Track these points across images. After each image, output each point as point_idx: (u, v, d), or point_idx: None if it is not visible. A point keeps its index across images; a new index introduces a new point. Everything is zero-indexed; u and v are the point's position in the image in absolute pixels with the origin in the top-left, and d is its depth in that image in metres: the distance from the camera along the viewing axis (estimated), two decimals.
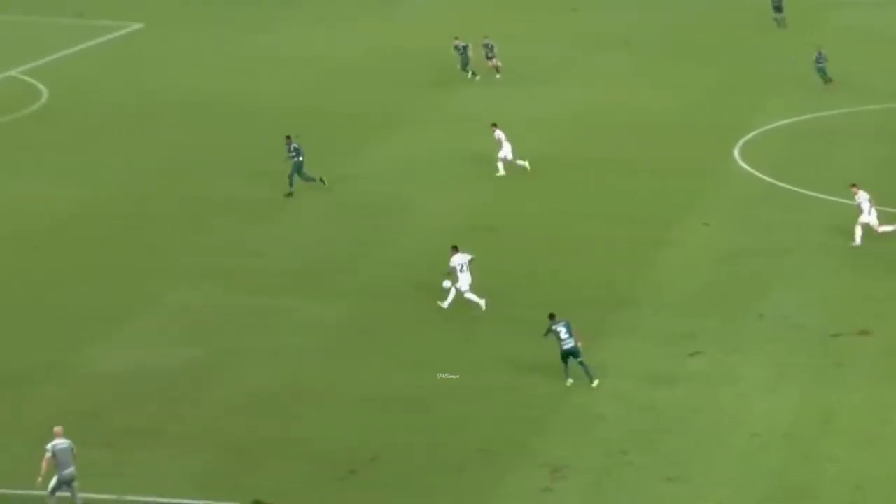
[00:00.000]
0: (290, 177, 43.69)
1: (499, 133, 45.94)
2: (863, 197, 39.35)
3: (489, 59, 57.87)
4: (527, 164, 45.65)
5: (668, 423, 29.69)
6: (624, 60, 60.97)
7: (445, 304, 35.37)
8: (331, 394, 31.23)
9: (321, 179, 43.89)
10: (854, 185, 39.95)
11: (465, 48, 57.67)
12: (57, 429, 26.49)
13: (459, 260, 35.57)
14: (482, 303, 35.32)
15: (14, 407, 30.45)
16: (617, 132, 50.45)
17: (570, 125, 51.49)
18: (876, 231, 39.25)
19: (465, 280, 35.43)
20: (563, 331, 31.35)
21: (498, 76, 57.52)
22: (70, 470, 26.20)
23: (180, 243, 39.96)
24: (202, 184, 44.74)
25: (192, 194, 44.07)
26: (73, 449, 26.30)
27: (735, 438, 29.05)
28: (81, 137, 50.31)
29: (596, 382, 31.20)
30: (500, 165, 45.48)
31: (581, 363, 31.28)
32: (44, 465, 26.09)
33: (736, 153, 47.63)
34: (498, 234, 40.67)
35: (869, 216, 39.18)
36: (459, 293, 35.41)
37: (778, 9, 66.58)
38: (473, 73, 57.49)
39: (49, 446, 26.17)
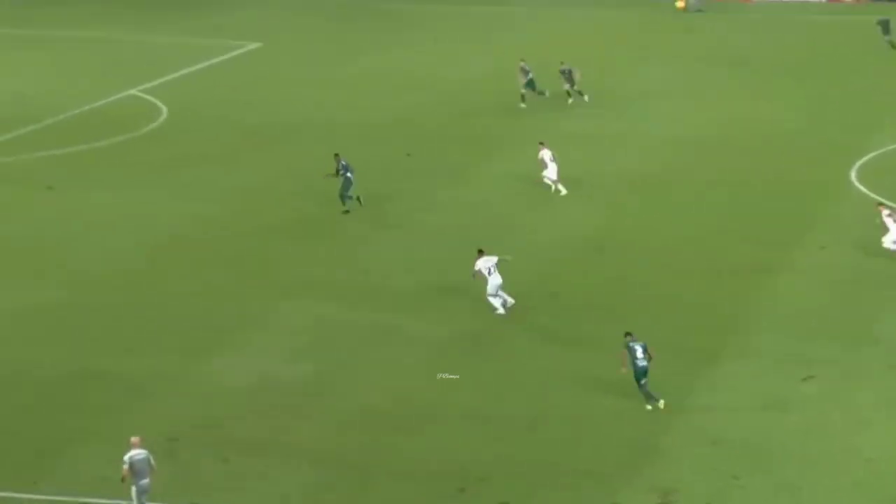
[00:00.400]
0: (342, 196, 43.84)
1: (544, 152, 45.78)
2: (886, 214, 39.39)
3: (569, 84, 56.43)
4: (563, 190, 45.31)
5: (781, 447, 29.21)
6: (738, 80, 60.46)
7: (508, 303, 35.66)
8: (442, 411, 31.17)
9: (358, 199, 44.00)
10: (880, 204, 40.04)
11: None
12: (134, 439, 26.64)
13: (485, 263, 35.63)
14: (501, 309, 35.42)
15: (135, 417, 30.77)
16: (731, 152, 49.98)
17: (683, 144, 51.10)
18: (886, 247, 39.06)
19: (493, 282, 35.47)
20: (639, 350, 31.15)
21: (570, 101, 56.21)
22: (145, 481, 26.37)
23: (295, 259, 40.21)
24: (316, 200, 45.00)
25: (305, 210, 44.37)
26: (150, 460, 26.42)
27: (849, 464, 28.51)
28: (199, 154, 50.91)
29: (661, 404, 30.68)
30: (549, 183, 45.42)
31: (644, 385, 30.89)
32: (123, 474, 26.27)
33: (852, 175, 46.91)
34: (607, 254, 40.41)
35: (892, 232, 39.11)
36: (494, 295, 35.44)
37: (885, 31, 65.59)
38: (541, 92, 56.50)
39: (126, 457, 26.38)
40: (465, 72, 63.62)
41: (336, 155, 44.51)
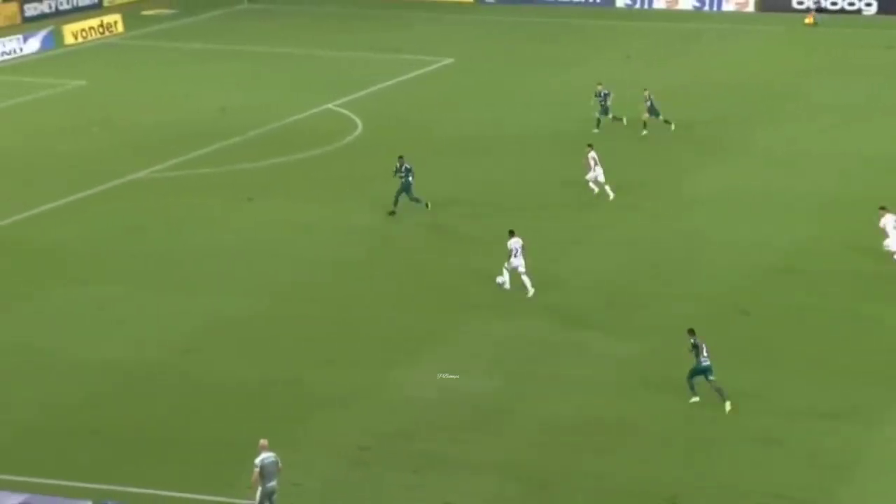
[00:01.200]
0: (397, 196, 44.78)
1: (593, 154, 46.08)
2: (889, 220, 39.39)
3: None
4: (611, 193, 45.93)
5: None
6: None
7: (507, 286, 38.10)
8: (630, 429, 30.84)
9: (426, 204, 44.73)
10: (882, 208, 39.96)
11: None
12: (263, 442, 26.85)
13: (514, 244, 38.15)
14: (505, 281, 38.09)
15: (326, 428, 31.10)
16: None
17: (877, 162, 49.92)
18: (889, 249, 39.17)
19: (514, 262, 37.97)
20: (704, 348, 31.45)
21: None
22: (272, 484, 26.54)
23: (483, 273, 40.27)
24: (508, 214, 45.04)
25: (498, 224, 44.43)
26: (278, 463, 26.59)
27: None
28: (394, 167, 51.33)
29: (728, 405, 30.97)
30: (592, 186, 46.12)
31: (713, 382, 31.21)
32: (254, 479, 26.47)
33: None
34: (801, 275, 39.59)
35: (892, 237, 39.33)
36: (514, 271, 37.84)
37: None
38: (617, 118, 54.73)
39: (257, 461, 26.54)
40: (659, 85, 63.08)
41: (400, 157, 45.24)
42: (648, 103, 54.26)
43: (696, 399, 31.66)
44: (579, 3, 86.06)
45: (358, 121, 58.12)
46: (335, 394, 32.76)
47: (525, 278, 38.32)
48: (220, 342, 35.83)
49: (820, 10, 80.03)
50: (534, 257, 41.36)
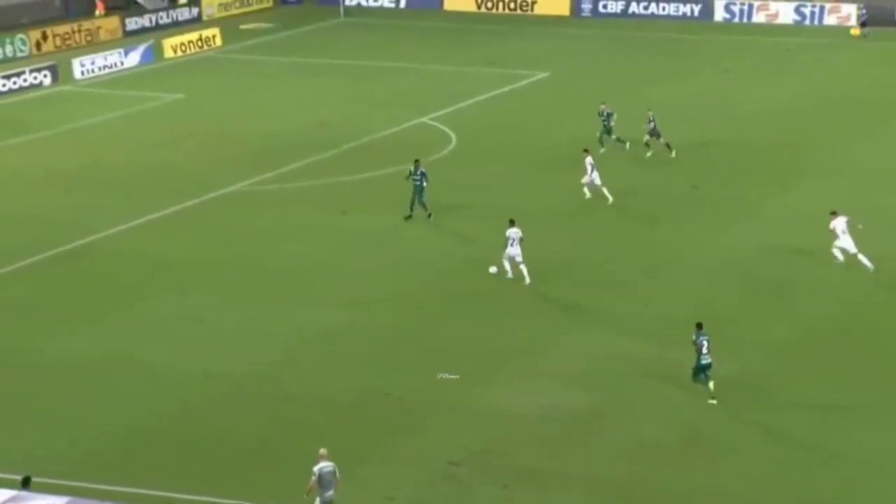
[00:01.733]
0: (412, 202, 45.91)
1: (589, 159, 47.30)
2: (839, 223, 40.33)
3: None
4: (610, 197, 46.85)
5: None
6: None
7: (510, 275, 39.85)
8: (726, 449, 30.61)
9: (429, 215, 45.92)
10: (833, 212, 40.79)
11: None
12: (322, 451, 27.02)
13: (513, 233, 39.91)
14: (495, 270, 39.91)
15: (416, 442, 31.17)
16: None
17: None
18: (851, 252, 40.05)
19: (511, 251, 39.76)
20: (705, 345, 32.16)
21: (602, 150, 53.19)
22: (330, 493, 26.70)
23: (575, 287, 40.16)
24: (601, 225, 44.90)
25: (589, 238, 44.38)
26: (335, 473, 26.74)
27: None
28: (483, 182, 51.46)
29: (713, 402, 31.94)
30: (587, 190, 47.30)
31: (709, 377, 32.05)
32: (310, 487, 26.69)
33: None
34: None
35: (841, 239, 40.23)
36: (512, 261, 39.63)
37: None
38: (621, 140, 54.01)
39: (315, 469, 26.73)
40: (756, 103, 62.67)
41: (416, 161, 46.36)
42: (651, 125, 53.51)
43: (713, 402, 32.11)
44: (677, 16, 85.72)
45: (452, 134, 58.26)
46: (426, 407, 32.83)
47: (523, 268, 39.80)
48: (314, 354, 36.07)
49: (864, 24, 79.06)
50: (628, 272, 41.27)
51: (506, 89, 67.35)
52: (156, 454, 30.76)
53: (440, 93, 66.27)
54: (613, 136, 54.01)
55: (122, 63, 73.34)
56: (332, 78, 70.77)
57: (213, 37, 79.98)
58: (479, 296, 39.95)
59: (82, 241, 44.94)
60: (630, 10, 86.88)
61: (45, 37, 77.17)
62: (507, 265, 40.12)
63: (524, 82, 68.63)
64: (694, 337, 32.51)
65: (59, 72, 69.43)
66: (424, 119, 61.19)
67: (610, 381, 33.96)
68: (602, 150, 53.22)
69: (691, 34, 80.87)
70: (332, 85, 69.01)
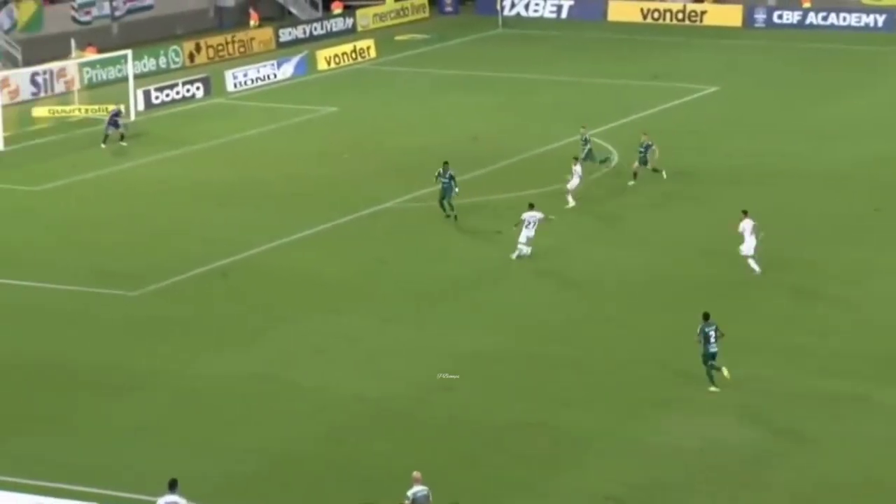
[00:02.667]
0: (441, 202, 48.21)
1: (577, 168, 49.57)
2: (747, 225, 42.40)
3: (641, 156, 52.68)
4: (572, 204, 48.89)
5: None
6: None
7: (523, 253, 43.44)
8: None
9: (455, 217, 48.04)
10: (744, 212, 42.95)
11: (587, 139, 53.80)
12: (416, 475, 27.19)
13: (529, 216, 43.52)
14: (515, 254, 43.43)
15: (573, 475, 30.91)
16: None
17: None
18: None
19: (526, 234, 43.49)
20: (712, 334, 34.08)
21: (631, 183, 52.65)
22: None
23: (737, 315, 39.57)
24: (778, 249, 44.36)
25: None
26: (429, 497, 26.91)
27: None
28: (651, 199, 51.10)
29: (725, 371, 33.94)
30: (570, 198, 49.32)
31: (714, 365, 33.99)
32: None
33: None
34: None
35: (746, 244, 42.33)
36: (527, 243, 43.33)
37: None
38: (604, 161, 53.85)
39: (409, 493, 26.91)
40: None
41: (445, 163, 48.39)
42: (643, 150, 52.62)
43: (714, 389, 34.08)
44: (858, 27, 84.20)
45: (614, 151, 57.97)
46: (584, 439, 32.59)
47: (521, 247, 43.71)
48: (468, 379, 35.99)
49: None
50: (789, 301, 40.55)
51: (673, 104, 66.83)
52: (303, 477, 30.99)
53: (602, 108, 65.97)
54: (649, 167, 52.86)
55: (274, 75, 74.39)
56: (489, 91, 70.89)
57: (368, 48, 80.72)
58: (639, 322, 39.61)
59: (233, 258, 45.58)
60: (807, 21, 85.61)
61: (198, 48, 78.64)
62: (527, 250, 43.55)
63: (692, 97, 68.03)
64: (701, 327, 34.29)
65: (211, 84, 70.67)
66: (585, 134, 60.83)
67: (786, 417, 33.28)
68: (631, 184, 52.19)
69: (874, 45, 79.33)
70: (488, 98, 69.13)
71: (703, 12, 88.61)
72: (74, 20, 79.03)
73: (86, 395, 35.15)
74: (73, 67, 69.63)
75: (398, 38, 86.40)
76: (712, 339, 34.16)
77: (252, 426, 33.56)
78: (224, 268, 44.69)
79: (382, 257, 45.45)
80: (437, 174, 48.73)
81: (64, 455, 31.91)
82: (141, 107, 66.67)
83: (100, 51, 72.03)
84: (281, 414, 34.18)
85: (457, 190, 48.38)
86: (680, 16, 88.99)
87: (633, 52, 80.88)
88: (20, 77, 68.19)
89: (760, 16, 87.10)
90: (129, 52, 68.88)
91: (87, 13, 79.78)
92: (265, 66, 74.39)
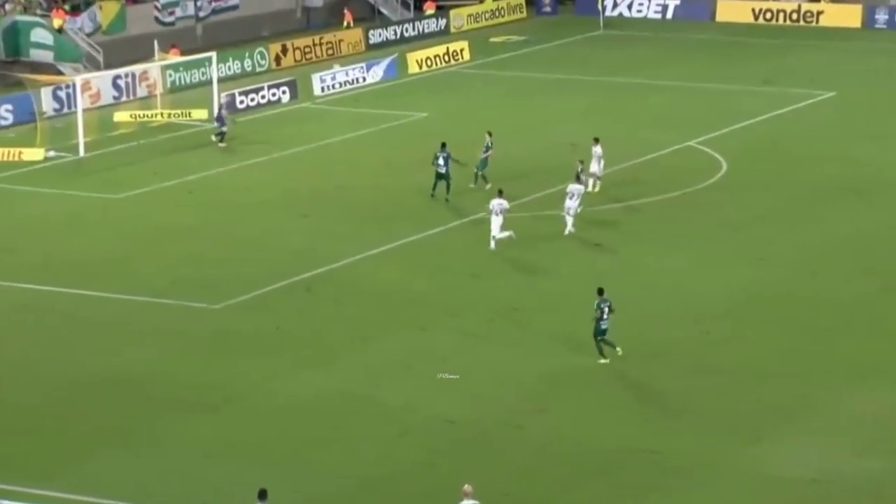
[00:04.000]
0: (478, 172, 52.57)
1: (598, 149, 52.01)
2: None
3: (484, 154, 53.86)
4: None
5: None
6: None
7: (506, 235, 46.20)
8: None
9: (447, 199, 51.48)
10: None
11: (489, 146, 53.97)
12: (467, 488, 27.75)
13: (497, 205, 46.13)
14: (493, 243, 46.27)
15: (675, 501, 30.78)
16: None
17: None
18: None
19: (495, 223, 46.05)
20: (606, 309, 36.67)
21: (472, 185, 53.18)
22: None
23: (865, 336, 39.14)
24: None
25: (884, 277, 43.31)
26: None
27: None
28: (761, 212, 50.70)
29: (618, 350, 36.96)
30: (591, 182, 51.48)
31: (605, 341, 36.84)
32: None
33: None
34: None
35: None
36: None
37: None
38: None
39: None
40: None
41: (443, 144, 51.75)
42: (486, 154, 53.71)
43: (604, 361, 36.96)
44: None
45: (722, 161, 57.57)
46: (687, 466, 32.32)
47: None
48: (566, 401, 35.84)
49: None
50: None
51: (785, 110, 66.28)
52: (390, 500, 31.01)
53: (709, 114, 65.57)
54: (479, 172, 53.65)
55: (363, 78, 74.69)
56: (588, 95, 70.74)
57: (461, 50, 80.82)
58: (750, 342, 39.28)
59: (317, 270, 45.79)
60: None
61: (284, 50, 79.17)
62: (501, 235, 46.32)
63: (807, 102, 67.40)
64: (597, 302, 36.83)
65: (298, 88, 71.13)
66: (691, 143, 60.61)
67: None
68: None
69: None
70: (588, 103, 68.98)
71: (819, 12, 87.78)
72: (158, 21, 79.89)
73: (169, 413, 35.42)
74: (155, 70, 70.37)
75: (493, 39, 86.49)
76: (605, 315, 36.63)
77: (336, 447, 33.65)
78: (308, 281, 44.88)
79: (474, 271, 45.38)
80: (433, 158, 51.70)
81: (145, 475, 32.22)
82: (225, 111, 67.14)
83: (183, 53, 72.65)
84: (365, 435, 34.24)
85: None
86: (794, 16, 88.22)
87: (743, 54, 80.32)
88: (102, 81, 69.01)
89: (882, 16, 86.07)
90: (213, 54, 69.55)
91: (171, 13, 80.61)
92: (354, 69, 74.74)
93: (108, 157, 60.77)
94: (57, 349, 39.81)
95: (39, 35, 72.00)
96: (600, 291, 37.41)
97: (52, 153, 60.17)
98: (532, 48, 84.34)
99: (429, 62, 78.77)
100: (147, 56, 69.37)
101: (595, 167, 52.47)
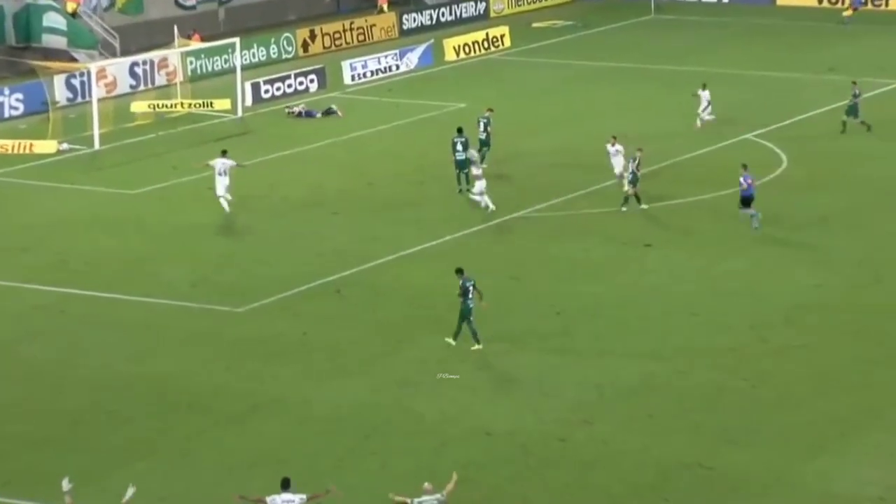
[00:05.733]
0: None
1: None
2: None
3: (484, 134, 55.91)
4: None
5: None
6: None
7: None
8: None
9: (460, 190, 53.27)
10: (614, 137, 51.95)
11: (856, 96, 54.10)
12: (427, 486, 28.78)
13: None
14: (489, 205, 50.35)
15: None
16: None
17: None
18: None
19: (479, 185, 50.70)
20: (470, 289, 38.44)
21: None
22: None
23: None
24: None
25: None
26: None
27: None
28: (825, 211, 50.71)
29: (477, 347, 38.52)
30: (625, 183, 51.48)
31: (470, 324, 38.45)
32: None
33: None
34: None
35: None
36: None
37: None
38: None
39: (416, 500, 28.83)
40: None
41: (459, 129, 53.97)
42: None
43: (451, 342, 38.81)
44: None
45: (783, 155, 57.61)
46: (744, 481, 32.47)
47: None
48: (613, 413, 36.03)
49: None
50: None
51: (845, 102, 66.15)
52: None
53: (769, 104, 65.58)
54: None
55: (397, 66, 74.97)
56: (637, 85, 70.81)
57: (502, 36, 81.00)
58: (817, 351, 39.36)
59: (347, 272, 46.03)
60: None
61: (312, 36, 79.46)
62: (482, 200, 50.54)
63: (874, 92, 67.26)
64: (462, 282, 38.49)
65: (326, 76, 71.44)
66: (749, 136, 60.64)
67: None
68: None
69: None
70: (637, 92, 69.05)
71: None
72: (178, 4, 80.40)
73: (195, 422, 35.79)
74: (175, 57, 70.79)
75: (536, 24, 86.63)
76: (470, 295, 38.39)
77: (370, 460, 33.84)
78: (338, 283, 45.14)
79: (514, 273, 45.56)
80: (452, 146, 53.62)
81: (171, 486, 32.58)
82: (249, 101, 67.57)
83: (204, 39, 73.03)
84: (401, 447, 34.46)
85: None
86: None
87: (806, 40, 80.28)
88: (118, 68, 69.49)
89: None
90: (236, 40, 69.95)
91: None
92: (387, 56, 75.01)
93: (125, 150, 61.21)
94: (75, 354, 40.19)
95: (52, 19, 72.43)
96: (460, 271, 39.18)
97: (65, 146, 60.68)
98: (578, 34, 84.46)
99: (466, 49, 78.98)
100: (166, 42, 69.74)
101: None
